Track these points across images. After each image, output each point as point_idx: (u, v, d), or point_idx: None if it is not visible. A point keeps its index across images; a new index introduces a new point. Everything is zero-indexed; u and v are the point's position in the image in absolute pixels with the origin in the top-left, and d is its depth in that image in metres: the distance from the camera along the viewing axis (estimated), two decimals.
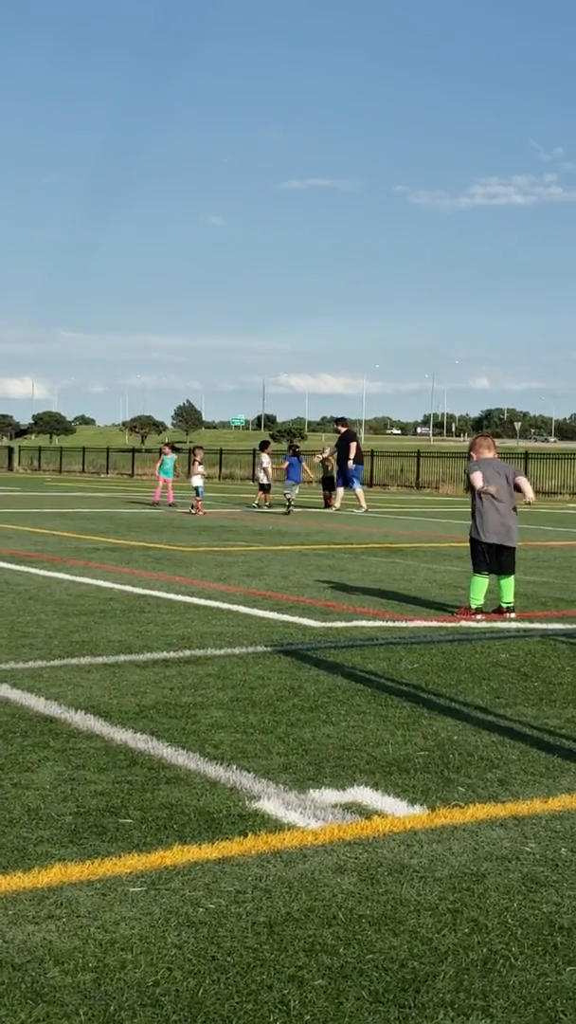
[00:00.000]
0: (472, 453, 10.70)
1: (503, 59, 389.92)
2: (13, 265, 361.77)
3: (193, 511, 24.57)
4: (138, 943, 3.38)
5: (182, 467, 38.74)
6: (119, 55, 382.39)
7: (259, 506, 27.80)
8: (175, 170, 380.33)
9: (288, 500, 25.72)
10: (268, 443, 30.06)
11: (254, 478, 30.38)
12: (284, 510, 25.45)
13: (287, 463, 26.71)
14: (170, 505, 27.45)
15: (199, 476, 25.79)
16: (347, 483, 27.28)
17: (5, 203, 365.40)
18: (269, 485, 28.63)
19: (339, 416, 29.59)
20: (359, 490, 27.54)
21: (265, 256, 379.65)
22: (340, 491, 27.61)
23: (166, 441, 51.88)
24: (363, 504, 27.41)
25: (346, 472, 27.08)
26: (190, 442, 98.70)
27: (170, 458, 29.04)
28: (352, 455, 26.98)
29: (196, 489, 25.29)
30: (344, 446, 27.13)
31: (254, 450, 33.36)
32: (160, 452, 31.54)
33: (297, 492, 26.43)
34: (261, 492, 28.57)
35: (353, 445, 27.19)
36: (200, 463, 26.57)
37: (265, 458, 28.93)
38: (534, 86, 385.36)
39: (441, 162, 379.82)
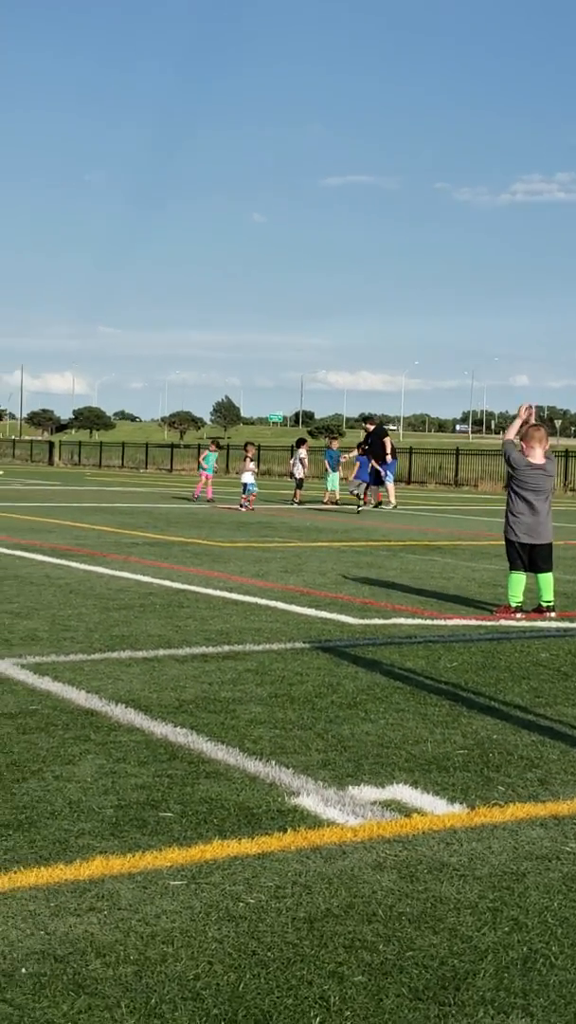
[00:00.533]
0: (523, 442, 10.40)
1: (547, 55, 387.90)
2: (56, 261, 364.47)
3: (244, 507, 24.59)
4: (179, 936, 3.39)
5: (228, 462, 38.73)
6: (163, 53, 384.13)
7: (302, 503, 27.80)
8: (217, 167, 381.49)
9: (357, 496, 25.77)
10: (304, 440, 30.22)
11: (291, 475, 30.43)
12: (355, 507, 25.45)
13: (357, 463, 26.67)
14: (208, 500, 27.53)
15: (250, 472, 25.61)
16: (379, 479, 27.28)
17: (49, 200, 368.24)
18: (302, 480, 28.70)
19: (367, 414, 29.67)
20: (390, 485, 27.60)
21: (305, 252, 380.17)
22: (390, 486, 27.61)
23: (208, 437, 52.10)
24: (392, 500, 27.45)
25: (382, 468, 27.07)
26: (228, 438, 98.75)
27: (213, 454, 29.35)
28: (388, 450, 27.03)
29: (244, 485, 25.24)
30: (379, 442, 27.10)
31: (292, 447, 33.42)
32: (207, 447, 31.88)
33: (363, 489, 26.32)
34: (298, 489, 28.63)
35: (387, 440, 27.24)
36: (252, 459, 26.33)
37: (302, 452, 29.02)
38: None
39: (483, 159, 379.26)
